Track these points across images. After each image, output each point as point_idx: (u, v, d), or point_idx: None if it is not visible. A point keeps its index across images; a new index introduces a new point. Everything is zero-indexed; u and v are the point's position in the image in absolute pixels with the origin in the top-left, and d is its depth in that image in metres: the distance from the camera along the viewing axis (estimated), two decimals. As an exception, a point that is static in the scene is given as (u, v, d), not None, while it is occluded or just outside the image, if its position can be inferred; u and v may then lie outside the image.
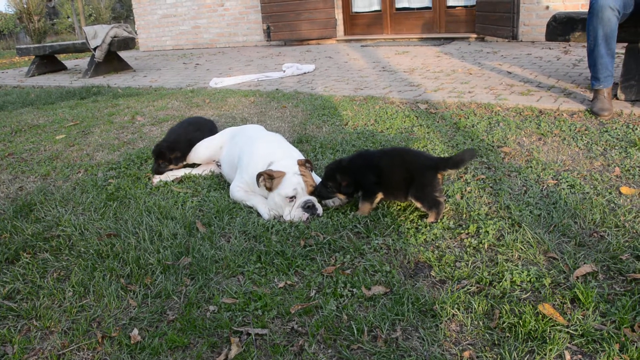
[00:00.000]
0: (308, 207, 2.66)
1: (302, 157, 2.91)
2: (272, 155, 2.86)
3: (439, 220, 2.50)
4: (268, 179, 2.71)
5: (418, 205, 2.53)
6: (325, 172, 2.70)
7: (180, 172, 3.43)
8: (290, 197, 2.66)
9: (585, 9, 3.86)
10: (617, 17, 3.71)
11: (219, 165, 3.40)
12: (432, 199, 2.48)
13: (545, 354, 1.62)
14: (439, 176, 2.54)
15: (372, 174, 2.59)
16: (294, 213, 2.66)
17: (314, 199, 2.70)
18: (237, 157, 3.08)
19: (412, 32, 9.90)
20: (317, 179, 2.88)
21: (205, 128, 3.73)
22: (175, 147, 3.44)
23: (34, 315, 2.05)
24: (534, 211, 2.52)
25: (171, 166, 3.43)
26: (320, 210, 2.70)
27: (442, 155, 3.32)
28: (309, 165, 2.85)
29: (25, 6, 21.91)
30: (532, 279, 2.00)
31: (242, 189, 2.92)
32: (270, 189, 2.72)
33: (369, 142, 3.72)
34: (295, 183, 2.68)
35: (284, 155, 2.87)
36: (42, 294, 2.17)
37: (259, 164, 2.85)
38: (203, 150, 3.46)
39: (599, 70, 3.90)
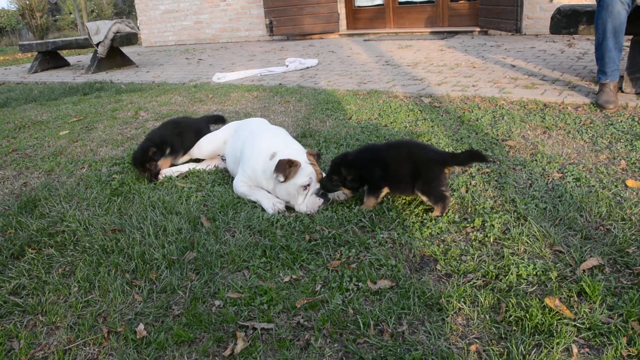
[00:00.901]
0: (322, 195, 2.70)
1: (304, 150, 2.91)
2: (275, 147, 2.87)
3: (444, 214, 2.49)
4: (289, 167, 2.69)
5: (424, 199, 2.52)
6: (331, 165, 2.69)
7: (184, 168, 3.42)
8: (305, 186, 2.68)
9: (589, 2, 3.83)
10: (627, 11, 3.68)
11: (223, 160, 3.40)
12: (438, 193, 2.47)
13: (552, 348, 1.62)
14: (446, 171, 2.53)
15: (378, 168, 2.58)
16: (308, 201, 2.69)
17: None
18: (240, 151, 3.07)
19: (415, 26, 9.87)
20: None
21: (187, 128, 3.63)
22: (149, 145, 3.35)
23: (39, 310, 2.05)
24: (540, 204, 2.51)
25: (158, 163, 3.35)
26: (330, 196, 2.76)
27: (446, 149, 3.31)
28: (318, 156, 2.88)
29: (27, 2, 21.91)
30: (538, 273, 1.99)
31: (246, 184, 2.91)
32: (285, 180, 2.70)
33: (373, 136, 3.70)
34: (310, 172, 2.71)
35: (285, 147, 2.88)
36: (47, 289, 2.17)
37: (261, 157, 2.85)
38: (206, 145, 3.45)
39: (607, 64, 3.87)
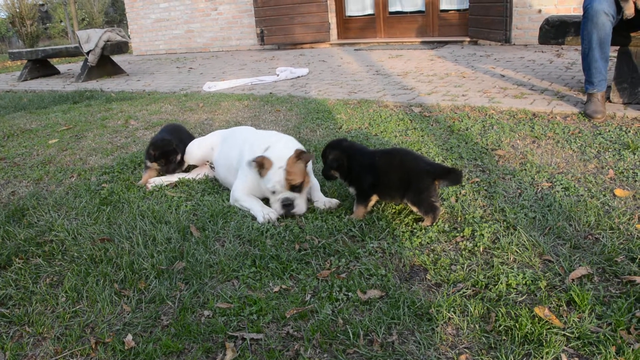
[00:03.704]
0: (284, 206, 2.72)
1: (299, 146, 2.91)
2: (268, 141, 2.89)
3: (434, 224, 2.49)
4: (258, 166, 2.75)
5: (414, 209, 2.52)
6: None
7: (174, 177, 3.41)
8: (272, 191, 2.74)
9: (577, 12, 3.88)
10: (611, 22, 3.74)
11: (212, 167, 3.39)
12: (428, 204, 2.47)
13: (542, 357, 1.62)
14: (436, 182, 2.53)
15: (369, 175, 2.58)
16: (275, 206, 2.76)
17: (294, 196, 2.73)
18: (236, 160, 3.06)
19: (406, 36, 9.93)
20: (313, 179, 2.91)
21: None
22: (179, 152, 3.48)
23: (26, 321, 2.03)
24: (529, 214, 2.52)
25: (169, 166, 3.43)
26: (298, 208, 2.74)
27: (436, 159, 3.32)
28: (305, 157, 2.76)
29: (17, 10, 21.81)
30: (527, 282, 2.00)
31: (244, 190, 2.90)
32: (261, 176, 2.78)
33: (364, 145, 3.70)
34: (275, 181, 2.71)
35: (278, 140, 2.90)
36: (34, 299, 2.15)
37: (255, 154, 2.85)
38: (196, 150, 3.45)
39: (593, 74, 3.92)
